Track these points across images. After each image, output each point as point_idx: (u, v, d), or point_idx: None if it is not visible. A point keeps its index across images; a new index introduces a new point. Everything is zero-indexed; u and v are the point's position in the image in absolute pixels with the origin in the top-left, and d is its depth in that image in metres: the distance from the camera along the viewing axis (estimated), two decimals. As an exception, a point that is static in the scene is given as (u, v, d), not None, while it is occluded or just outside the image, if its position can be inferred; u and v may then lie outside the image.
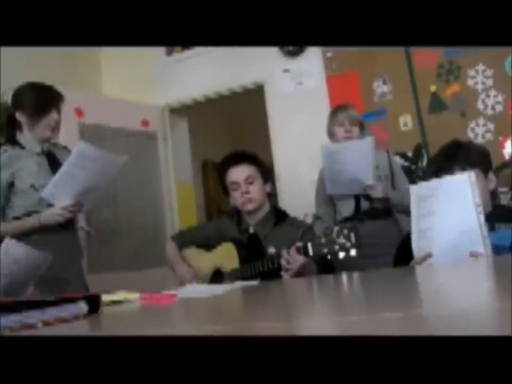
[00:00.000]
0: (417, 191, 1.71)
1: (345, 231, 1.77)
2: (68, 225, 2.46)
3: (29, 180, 2.35)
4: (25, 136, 2.44)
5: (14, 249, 1.85)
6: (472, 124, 3.89)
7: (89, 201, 2.50)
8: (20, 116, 2.42)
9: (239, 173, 2.31)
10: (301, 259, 1.88)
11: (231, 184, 2.33)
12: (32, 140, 2.43)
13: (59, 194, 2.33)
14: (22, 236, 2.28)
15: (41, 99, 2.41)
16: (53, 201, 2.34)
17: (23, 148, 2.42)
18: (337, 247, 1.77)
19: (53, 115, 2.42)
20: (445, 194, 1.63)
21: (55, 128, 2.46)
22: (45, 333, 0.91)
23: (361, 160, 2.70)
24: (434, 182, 1.71)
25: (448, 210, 1.61)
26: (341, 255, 1.77)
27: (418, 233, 1.68)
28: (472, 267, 1.36)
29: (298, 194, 4.17)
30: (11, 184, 2.36)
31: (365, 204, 2.85)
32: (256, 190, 2.30)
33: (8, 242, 1.87)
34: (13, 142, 2.43)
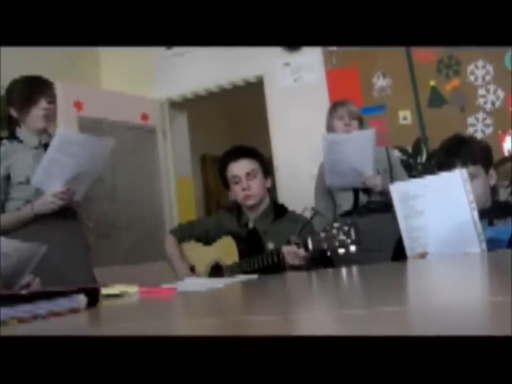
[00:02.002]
0: (400, 190, 1.71)
1: (345, 228, 1.77)
2: (67, 215, 2.44)
3: (25, 173, 2.34)
4: (23, 130, 2.44)
5: (1, 244, 1.85)
6: (472, 119, 3.89)
7: (82, 188, 2.44)
8: (13, 112, 2.42)
9: (240, 168, 2.31)
10: (301, 253, 1.89)
11: (232, 178, 2.32)
12: (29, 133, 2.42)
13: (49, 182, 2.30)
14: (19, 227, 2.29)
15: (26, 90, 2.39)
16: (43, 189, 2.32)
17: (21, 141, 2.42)
18: (337, 243, 1.78)
19: (42, 104, 2.39)
20: (434, 193, 1.62)
21: (49, 117, 2.43)
22: (43, 326, 0.91)
23: (362, 151, 2.71)
24: (419, 181, 1.71)
25: (439, 208, 1.61)
26: (341, 251, 1.77)
27: (408, 233, 1.68)
28: (468, 262, 1.36)
29: (297, 188, 4.17)
30: (7, 178, 2.36)
31: (363, 198, 2.86)
32: (257, 185, 2.30)
33: None
34: (13, 136, 2.43)
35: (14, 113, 2.42)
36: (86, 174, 2.41)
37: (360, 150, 2.72)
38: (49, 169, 2.30)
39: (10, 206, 2.37)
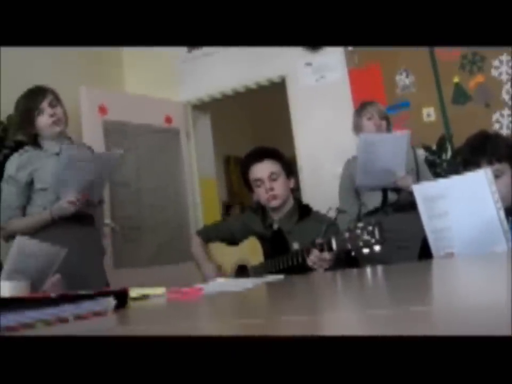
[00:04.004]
0: (423, 191, 1.69)
1: (370, 227, 1.77)
2: (85, 221, 2.51)
3: (47, 179, 2.41)
4: (42, 138, 2.50)
5: (28, 245, 1.90)
6: (497, 115, 3.84)
7: (96, 193, 2.54)
8: (26, 127, 2.50)
9: (262, 170, 2.31)
10: (326, 256, 1.90)
11: (255, 181, 2.33)
12: (49, 141, 2.48)
13: (64, 190, 2.38)
14: (38, 231, 2.36)
15: (27, 105, 2.45)
16: (60, 196, 2.40)
17: (42, 148, 2.48)
18: (361, 243, 1.77)
19: (47, 111, 2.45)
20: (459, 193, 1.60)
21: (59, 120, 2.49)
22: (71, 328, 0.92)
23: (397, 153, 2.73)
24: (443, 182, 1.69)
25: (464, 208, 1.59)
26: (365, 251, 1.77)
27: (434, 233, 1.66)
28: (495, 261, 1.35)
29: (320, 188, 4.15)
30: (30, 183, 2.42)
31: (392, 197, 2.85)
32: (280, 186, 2.30)
33: (21, 240, 1.91)
34: (34, 143, 2.48)
35: (27, 127, 2.48)
36: (98, 182, 2.50)
37: (395, 151, 2.74)
38: (62, 180, 2.37)
39: (31, 211, 2.44)
